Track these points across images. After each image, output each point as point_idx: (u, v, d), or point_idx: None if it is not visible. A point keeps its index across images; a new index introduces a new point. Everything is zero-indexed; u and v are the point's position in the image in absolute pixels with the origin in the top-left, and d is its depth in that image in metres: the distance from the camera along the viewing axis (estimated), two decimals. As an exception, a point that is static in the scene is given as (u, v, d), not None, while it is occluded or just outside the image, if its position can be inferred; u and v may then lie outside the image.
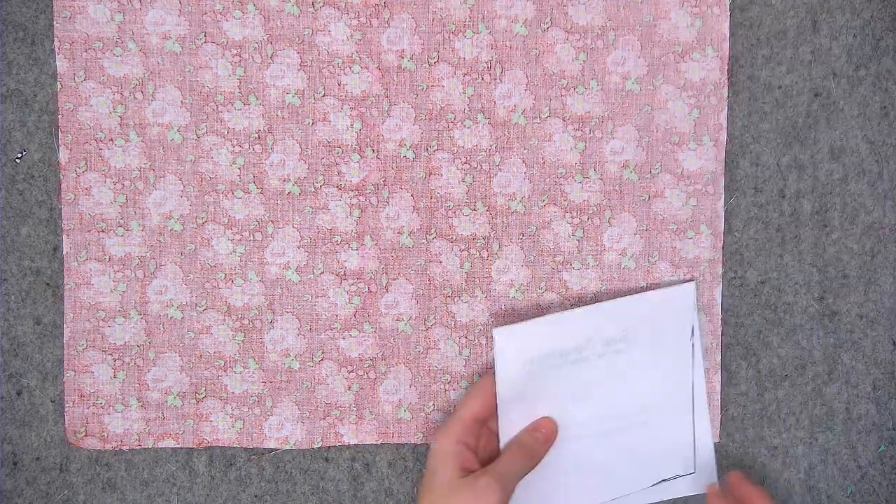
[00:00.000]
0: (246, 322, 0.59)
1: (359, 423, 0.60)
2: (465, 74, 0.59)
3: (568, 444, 0.57)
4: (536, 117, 0.60)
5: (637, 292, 0.59)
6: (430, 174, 0.60)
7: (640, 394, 0.57)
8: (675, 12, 0.59)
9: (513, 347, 0.56)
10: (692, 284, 0.56)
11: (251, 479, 0.60)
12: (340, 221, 0.59)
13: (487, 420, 0.57)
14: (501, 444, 0.57)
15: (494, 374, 0.57)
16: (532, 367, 0.56)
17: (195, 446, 0.60)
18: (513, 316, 0.60)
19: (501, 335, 0.56)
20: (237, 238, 0.59)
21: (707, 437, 0.58)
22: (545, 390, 0.57)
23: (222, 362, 0.59)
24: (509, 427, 0.57)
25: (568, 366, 0.56)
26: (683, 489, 0.58)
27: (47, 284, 0.59)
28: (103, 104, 0.58)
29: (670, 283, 0.59)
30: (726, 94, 0.60)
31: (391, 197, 0.59)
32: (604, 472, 0.58)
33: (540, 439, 0.56)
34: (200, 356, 0.59)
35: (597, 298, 0.60)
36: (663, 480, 0.58)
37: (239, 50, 0.58)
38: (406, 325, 0.60)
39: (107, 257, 0.58)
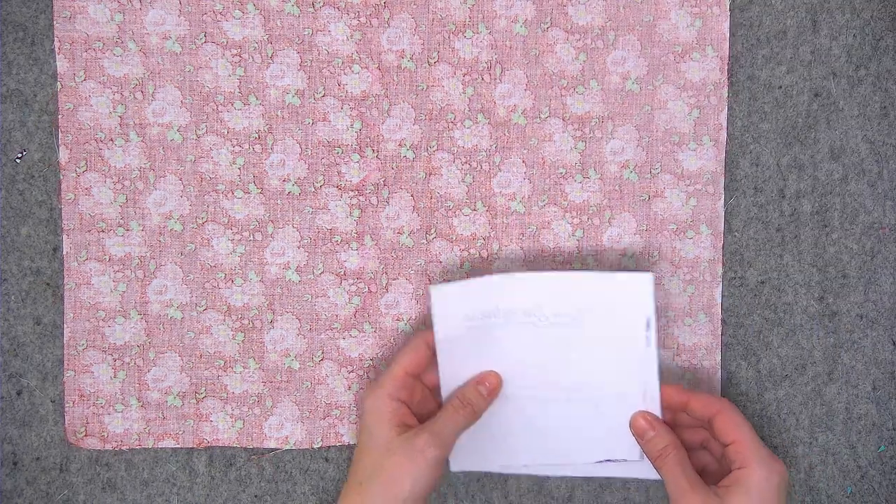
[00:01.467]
0: (246, 322, 0.59)
1: (359, 423, 0.60)
2: (465, 74, 0.59)
3: (512, 402, 0.57)
4: (536, 117, 0.60)
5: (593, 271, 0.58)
6: (430, 174, 0.60)
7: (589, 371, 0.56)
8: (675, 12, 0.59)
9: (450, 304, 0.56)
10: (649, 276, 0.54)
11: (251, 479, 0.60)
12: (340, 221, 0.59)
13: (421, 375, 0.56)
14: (443, 399, 0.57)
15: (432, 330, 0.56)
16: (473, 323, 0.56)
17: (195, 446, 0.60)
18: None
19: (437, 292, 0.56)
20: (237, 238, 0.59)
21: None
22: (489, 348, 0.56)
23: (222, 362, 0.59)
24: (450, 382, 0.56)
25: (514, 326, 0.56)
26: (629, 472, 0.58)
27: (47, 284, 0.59)
28: (103, 104, 0.58)
29: (627, 270, 0.58)
30: (726, 94, 0.60)
31: (391, 197, 0.60)
32: (547, 438, 0.57)
33: (483, 393, 0.56)
34: (200, 356, 0.59)
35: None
36: (609, 460, 0.57)
37: (239, 50, 0.58)
38: (406, 325, 0.60)
39: (107, 257, 0.58)
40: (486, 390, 0.56)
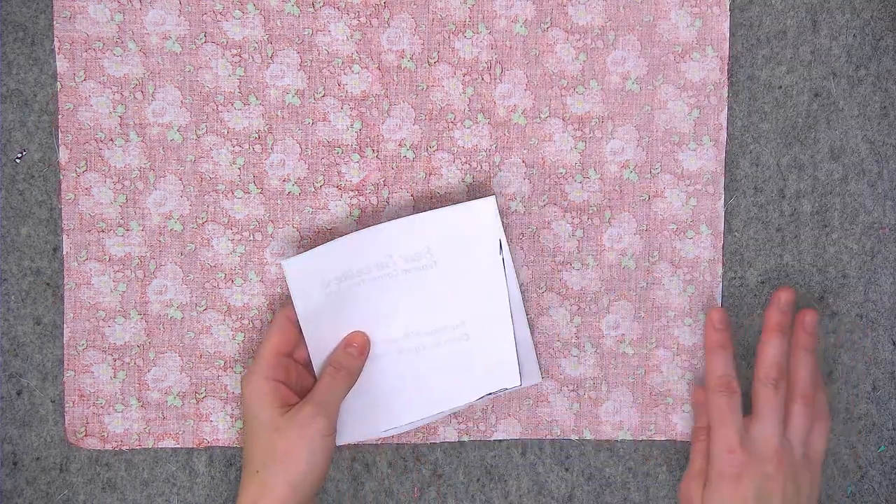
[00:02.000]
0: (246, 322, 0.59)
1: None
2: (465, 74, 0.59)
3: (383, 361, 0.57)
4: (536, 117, 0.60)
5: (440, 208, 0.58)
6: (430, 174, 0.60)
7: (453, 308, 0.57)
8: (675, 12, 0.59)
9: (305, 275, 0.56)
10: (492, 199, 0.55)
11: (251, 479, 0.60)
12: (340, 221, 0.59)
13: (292, 353, 0.56)
14: (317, 371, 0.57)
15: (292, 306, 0.56)
16: (330, 290, 0.56)
17: (195, 446, 0.60)
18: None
19: (290, 266, 0.56)
20: (237, 238, 0.59)
21: (529, 347, 0.59)
22: (351, 310, 0.56)
23: (222, 362, 0.59)
24: (320, 353, 0.57)
25: (370, 282, 0.56)
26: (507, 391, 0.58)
27: (47, 284, 0.59)
28: (103, 104, 0.58)
29: (468, 201, 0.57)
30: (726, 94, 0.60)
31: (391, 197, 0.59)
32: (425, 387, 0.57)
33: (354, 354, 0.56)
34: (200, 356, 0.59)
35: (596, 299, 0.60)
36: (489, 394, 0.58)
37: (239, 50, 0.58)
38: (406, 325, 0.60)
39: (107, 257, 0.58)
40: (355, 351, 0.56)
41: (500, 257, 0.56)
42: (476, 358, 0.57)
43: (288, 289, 0.56)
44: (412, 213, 0.57)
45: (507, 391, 0.58)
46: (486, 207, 0.55)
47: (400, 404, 0.58)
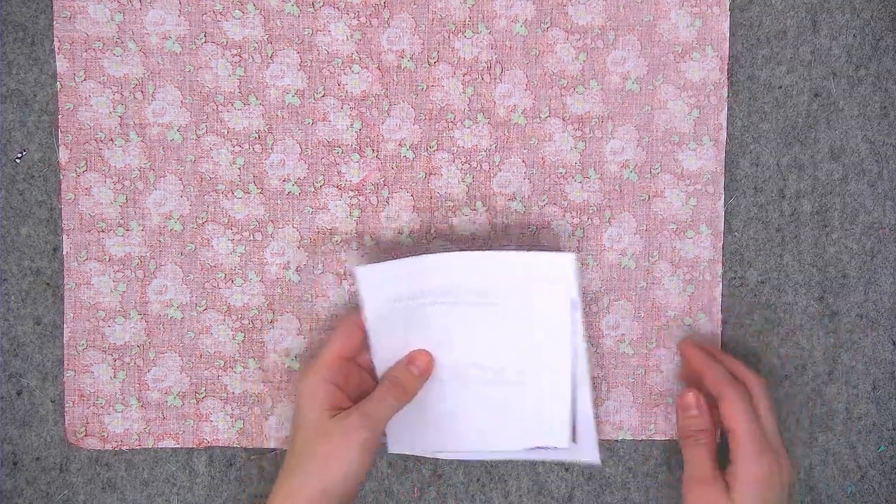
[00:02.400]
0: (246, 322, 0.59)
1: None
2: (465, 74, 0.59)
3: (444, 385, 0.57)
4: (536, 117, 0.60)
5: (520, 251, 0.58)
6: (430, 174, 0.60)
7: (513, 353, 0.56)
8: (675, 12, 0.59)
9: (377, 285, 0.55)
10: (571, 256, 0.54)
11: (251, 479, 0.60)
12: (340, 221, 0.59)
13: (355, 357, 0.56)
14: (378, 379, 0.57)
15: (361, 312, 0.56)
16: (398, 306, 0.56)
17: (195, 446, 0.60)
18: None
19: (364, 273, 0.55)
20: (237, 238, 0.59)
21: (588, 413, 0.57)
22: (420, 328, 0.56)
23: (222, 362, 0.59)
24: (383, 363, 0.57)
25: (438, 306, 0.56)
26: (558, 457, 0.58)
27: (47, 284, 0.59)
28: (103, 104, 0.58)
29: (549, 250, 0.58)
30: (726, 94, 0.60)
31: (391, 197, 0.60)
32: (478, 421, 0.57)
33: (414, 373, 0.55)
34: (200, 356, 0.59)
35: (596, 299, 0.60)
36: (539, 448, 0.57)
37: (239, 50, 0.58)
38: (406, 325, 0.60)
39: (107, 257, 0.58)
40: (417, 370, 0.56)
41: (572, 315, 0.55)
42: (529, 407, 0.57)
43: (358, 296, 0.56)
44: (482, 247, 0.58)
45: (556, 451, 0.57)
46: (564, 263, 0.55)
47: (448, 431, 0.57)
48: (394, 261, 0.55)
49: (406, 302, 0.56)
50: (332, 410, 0.52)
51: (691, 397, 0.56)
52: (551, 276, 0.55)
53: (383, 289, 0.55)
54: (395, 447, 0.58)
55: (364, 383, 0.56)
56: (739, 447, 0.53)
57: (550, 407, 0.56)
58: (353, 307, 0.58)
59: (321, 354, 0.54)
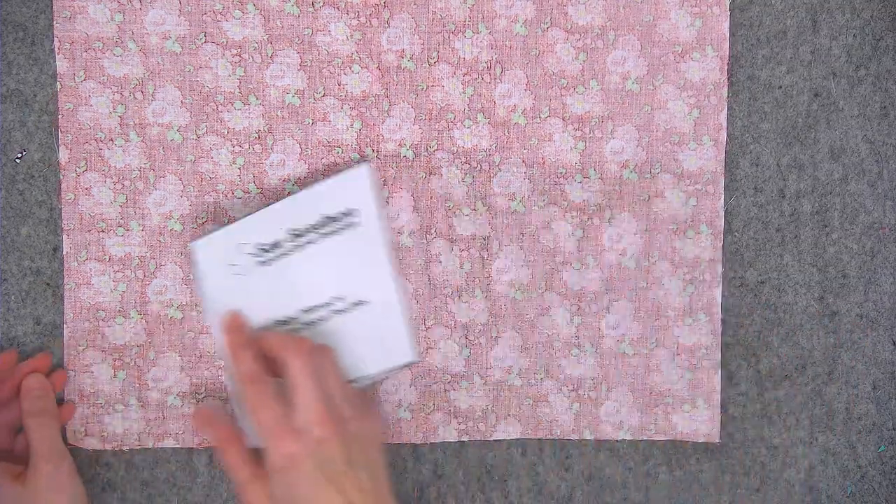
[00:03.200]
0: (246, 322, 0.59)
1: None
2: (465, 74, 0.59)
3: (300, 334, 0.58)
4: (536, 117, 0.60)
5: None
6: (431, 174, 0.60)
7: (345, 283, 0.57)
8: (675, 12, 0.59)
9: (214, 256, 0.57)
10: (366, 166, 0.56)
11: (251, 479, 0.60)
12: (340, 221, 0.59)
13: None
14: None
15: (199, 287, 0.57)
16: (236, 270, 0.57)
17: (195, 446, 0.60)
18: (514, 317, 0.60)
19: (201, 246, 0.57)
20: (237, 238, 0.59)
21: (398, 312, 0.58)
22: (254, 293, 0.57)
23: (222, 362, 0.59)
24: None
25: (274, 262, 0.57)
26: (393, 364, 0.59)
27: (47, 284, 0.59)
28: (103, 104, 0.58)
29: (343, 170, 0.58)
30: (726, 94, 0.60)
31: (391, 197, 0.59)
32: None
33: (37, 395, 0.55)
34: (200, 356, 0.59)
35: (596, 299, 0.60)
36: (391, 368, 0.58)
37: (239, 50, 0.58)
38: (406, 325, 0.60)
39: (107, 257, 0.58)
40: (37, 391, 0.55)
41: (380, 226, 0.57)
42: (373, 332, 0.58)
43: (195, 272, 0.57)
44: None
45: (405, 366, 0.59)
46: (360, 175, 0.57)
47: None
48: (223, 228, 0.57)
49: (242, 264, 0.57)
50: (15, 482, 0.52)
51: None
52: (353, 193, 0.57)
53: (220, 258, 0.57)
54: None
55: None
56: None
57: (389, 325, 0.57)
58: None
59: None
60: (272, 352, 0.53)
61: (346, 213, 0.57)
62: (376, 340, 0.58)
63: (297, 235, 0.57)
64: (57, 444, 0.54)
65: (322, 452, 0.50)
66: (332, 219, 0.57)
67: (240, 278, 0.57)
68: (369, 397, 0.58)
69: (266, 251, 0.57)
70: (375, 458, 0.52)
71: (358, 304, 0.57)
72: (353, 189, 0.57)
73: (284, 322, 0.57)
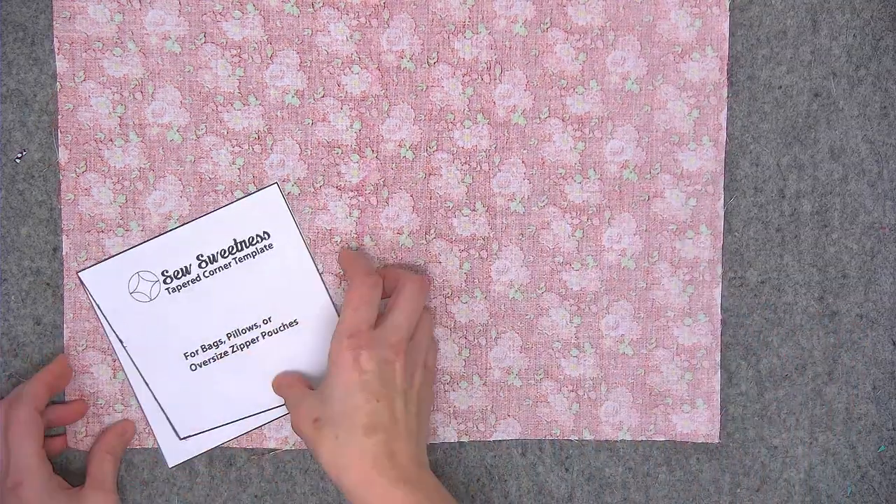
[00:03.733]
0: (245, 322, 0.60)
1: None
2: (464, 75, 0.59)
3: (210, 369, 0.58)
4: (536, 117, 0.60)
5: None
6: (430, 174, 0.60)
7: (271, 305, 0.58)
8: (674, 12, 0.59)
9: (106, 284, 0.57)
10: (274, 187, 0.58)
11: (251, 479, 0.60)
12: (340, 222, 0.59)
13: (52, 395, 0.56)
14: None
15: (98, 315, 0.57)
16: (140, 298, 0.57)
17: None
18: (513, 317, 0.60)
19: (89, 276, 0.57)
20: (237, 238, 0.59)
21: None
22: (173, 318, 0.58)
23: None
24: (141, 352, 0.58)
25: (184, 289, 0.57)
26: None
27: (47, 284, 0.59)
28: (103, 104, 0.58)
29: (257, 192, 0.59)
30: (726, 95, 0.60)
31: (391, 197, 0.60)
32: (269, 376, 0.59)
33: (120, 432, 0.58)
34: (200, 356, 0.59)
35: (596, 299, 0.60)
36: None
37: (239, 50, 0.58)
38: (406, 325, 0.60)
39: (107, 258, 0.58)
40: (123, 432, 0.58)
41: (304, 244, 0.58)
42: (306, 350, 0.59)
43: (92, 300, 0.57)
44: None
45: None
46: (271, 195, 0.58)
47: (247, 396, 0.59)
48: (114, 257, 0.57)
49: (145, 292, 0.57)
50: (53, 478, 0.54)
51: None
52: (266, 213, 0.58)
53: (116, 286, 0.57)
54: (178, 458, 0.59)
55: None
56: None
57: (325, 343, 0.57)
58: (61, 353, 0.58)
59: (28, 384, 0.55)
60: (392, 276, 0.56)
61: (260, 237, 0.58)
62: (314, 360, 0.59)
63: (208, 261, 0.57)
64: (113, 479, 0.56)
65: (382, 371, 0.51)
66: (244, 242, 0.57)
67: (147, 304, 0.57)
68: (433, 378, 0.59)
69: (173, 278, 0.57)
70: (423, 411, 0.54)
71: (289, 325, 0.58)
72: (264, 211, 0.58)
73: (212, 346, 0.58)
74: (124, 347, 0.57)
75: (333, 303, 0.59)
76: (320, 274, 0.58)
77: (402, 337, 0.53)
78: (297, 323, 0.59)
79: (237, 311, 0.58)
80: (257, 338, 0.58)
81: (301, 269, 0.58)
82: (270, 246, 0.58)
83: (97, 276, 0.57)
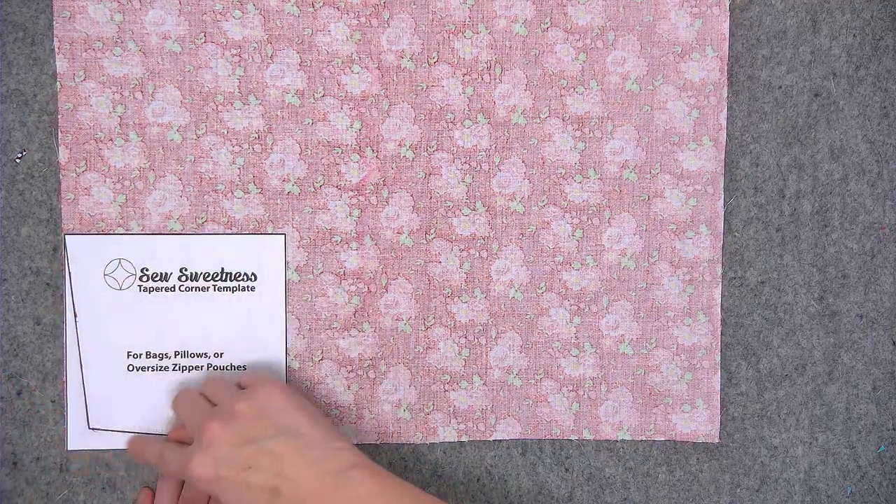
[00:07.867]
0: (245, 322, 0.60)
1: (358, 423, 0.60)
2: (464, 74, 0.59)
3: (150, 375, 0.58)
4: (536, 117, 0.60)
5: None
6: (430, 174, 0.60)
7: (229, 342, 0.58)
8: (674, 12, 0.59)
9: (88, 258, 0.57)
10: (281, 238, 0.58)
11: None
12: (340, 221, 0.59)
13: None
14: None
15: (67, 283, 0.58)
16: (112, 283, 0.57)
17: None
18: (513, 317, 0.60)
19: (73, 242, 0.57)
20: (237, 238, 0.59)
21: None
22: (134, 313, 0.58)
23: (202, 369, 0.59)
24: (92, 353, 0.58)
25: (156, 293, 0.57)
26: None
27: (47, 284, 0.59)
28: (103, 104, 0.58)
29: (264, 235, 0.59)
30: (726, 94, 0.60)
31: (391, 197, 0.60)
32: None
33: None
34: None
35: (596, 299, 0.60)
36: None
37: (239, 50, 0.58)
38: (405, 325, 0.60)
39: (107, 257, 0.58)
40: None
41: (279, 297, 0.58)
42: None
43: (65, 267, 0.57)
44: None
45: None
46: (273, 243, 0.58)
47: (149, 418, 0.59)
48: (106, 235, 0.57)
49: (119, 280, 0.57)
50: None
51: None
52: (262, 256, 0.58)
53: (93, 262, 0.57)
54: (96, 422, 0.59)
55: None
56: None
57: None
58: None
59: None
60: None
61: (248, 276, 0.58)
62: None
63: (189, 277, 0.58)
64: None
65: (218, 454, 0.50)
66: (230, 275, 0.58)
67: (115, 292, 0.57)
68: (252, 375, 0.58)
69: (150, 279, 0.57)
70: (291, 417, 0.52)
71: (237, 367, 0.58)
72: (262, 254, 0.58)
73: (157, 356, 0.58)
74: (76, 322, 0.57)
75: (287, 365, 0.59)
76: (286, 335, 0.59)
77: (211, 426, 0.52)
78: (244, 369, 0.59)
79: (195, 335, 0.58)
80: (203, 367, 0.58)
81: (272, 322, 0.59)
82: (253, 289, 0.58)
83: (81, 245, 0.57)
